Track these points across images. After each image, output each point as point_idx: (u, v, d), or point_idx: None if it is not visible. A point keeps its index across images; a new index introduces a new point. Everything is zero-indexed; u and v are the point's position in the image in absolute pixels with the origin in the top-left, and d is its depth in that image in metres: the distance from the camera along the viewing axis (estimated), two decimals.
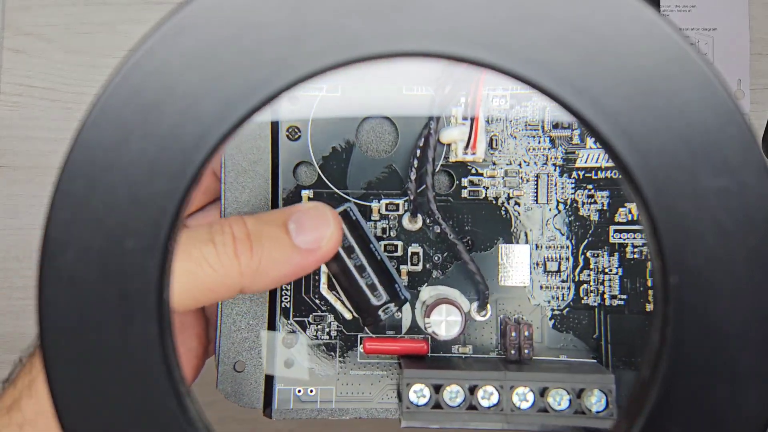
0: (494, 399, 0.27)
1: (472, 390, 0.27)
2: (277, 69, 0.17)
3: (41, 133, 0.53)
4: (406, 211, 0.31)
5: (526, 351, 0.29)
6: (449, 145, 0.31)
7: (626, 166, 0.16)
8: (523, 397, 0.27)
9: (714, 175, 0.16)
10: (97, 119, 0.17)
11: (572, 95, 0.16)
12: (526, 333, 0.29)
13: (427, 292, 0.31)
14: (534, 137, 0.30)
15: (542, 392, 0.27)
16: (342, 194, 0.32)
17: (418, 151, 0.31)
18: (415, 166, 0.31)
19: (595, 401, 0.27)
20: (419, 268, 0.31)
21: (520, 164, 0.31)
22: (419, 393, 0.28)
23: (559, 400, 0.27)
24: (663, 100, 0.16)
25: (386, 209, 0.32)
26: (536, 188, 0.30)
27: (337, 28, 0.16)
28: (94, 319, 0.17)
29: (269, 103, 0.17)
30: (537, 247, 0.30)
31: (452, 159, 0.31)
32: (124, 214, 0.17)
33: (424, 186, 0.30)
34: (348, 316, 0.32)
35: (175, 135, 0.17)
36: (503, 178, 0.31)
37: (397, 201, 0.31)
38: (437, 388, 0.28)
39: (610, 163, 0.30)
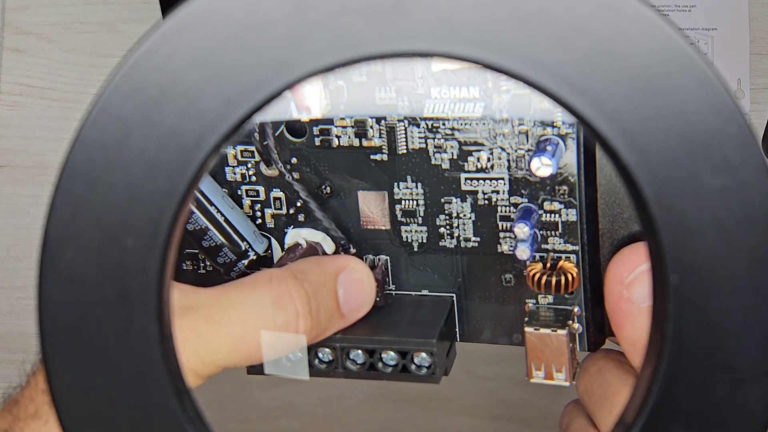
0: (329, 357, 0.30)
1: (309, 350, 0.29)
2: (278, 68, 0.17)
3: (41, 132, 0.53)
4: (261, 159, 0.31)
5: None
6: None
7: (626, 166, 0.17)
8: (357, 355, 0.30)
9: (714, 175, 0.16)
10: (97, 118, 0.17)
11: (572, 95, 0.16)
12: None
13: (292, 236, 0.31)
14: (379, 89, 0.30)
15: (372, 353, 0.29)
16: None
17: None
18: None
19: (422, 361, 0.29)
20: (283, 211, 0.31)
21: (370, 115, 0.30)
22: None
23: (387, 359, 0.30)
24: (663, 100, 0.16)
25: (242, 156, 0.31)
26: (386, 139, 0.30)
27: (338, 27, 0.16)
28: (94, 318, 0.17)
29: (270, 101, 0.17)
30: (394, 194, 0.31)
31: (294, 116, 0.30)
32: (125, 213, 0.17)
33: (266, 141, 0.30)
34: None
35: (176, 134, 0.17)
36: (353, 128, 0.30)
37: (251, 148, 0.31)
38: None
39: (456, 114, 0.29)
